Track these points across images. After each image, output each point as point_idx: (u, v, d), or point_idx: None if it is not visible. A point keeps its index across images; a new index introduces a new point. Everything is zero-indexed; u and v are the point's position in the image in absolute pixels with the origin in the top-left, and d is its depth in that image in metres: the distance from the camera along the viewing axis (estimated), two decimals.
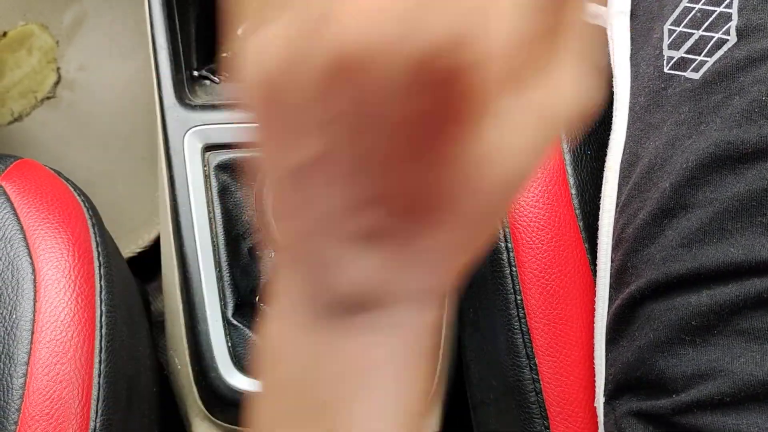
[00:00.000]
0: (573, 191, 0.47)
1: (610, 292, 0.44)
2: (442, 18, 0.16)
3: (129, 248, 0.96)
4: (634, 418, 0.40)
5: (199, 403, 0.57)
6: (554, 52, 0.19)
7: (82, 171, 1.02)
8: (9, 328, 0.45)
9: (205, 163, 0.59)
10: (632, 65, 0.46)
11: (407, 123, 0.19)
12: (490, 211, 0.23)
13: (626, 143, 0.45)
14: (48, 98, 1.07)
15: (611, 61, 0.47)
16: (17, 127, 1.05)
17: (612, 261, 0.44)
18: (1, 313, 0.46)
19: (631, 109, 0.45)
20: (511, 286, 0.47)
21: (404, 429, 0.24)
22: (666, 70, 0.43)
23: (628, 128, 0.45)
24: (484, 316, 0.52)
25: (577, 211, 0.47)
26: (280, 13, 0.18)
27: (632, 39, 0.46)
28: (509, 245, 0.47)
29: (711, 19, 0.41)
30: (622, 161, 0.45)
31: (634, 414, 0.41)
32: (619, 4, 0.47)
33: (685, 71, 0.42)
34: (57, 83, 1.06)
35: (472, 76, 0.17)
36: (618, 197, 0.45)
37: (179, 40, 0.65)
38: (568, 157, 0.48)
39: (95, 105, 1.05)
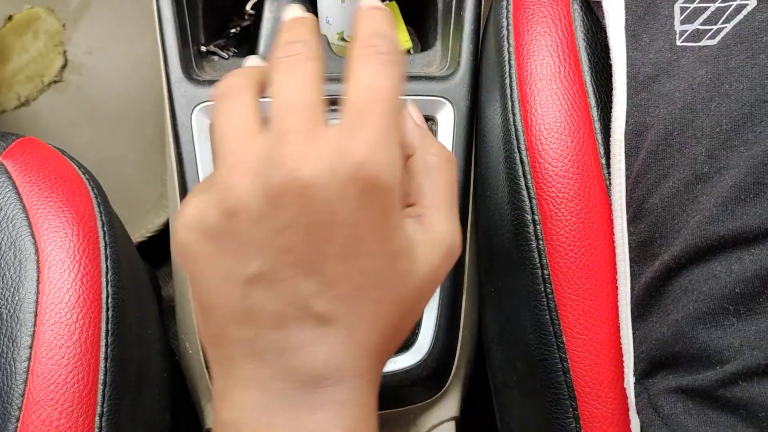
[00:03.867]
0: (603, 161, 0.45)
1: (632, 266, 0.42)
2: (359, 151, 0.29)
3: (139, 233, 0.95)
4: (673, 395, 0.38)
5: (211, 387, 0.56)
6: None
7: (90, 155, 1.01)
8: (12, 310, 0.43)
9: None
10: (629, 36, 0.44)
11: (344, 224, 0.29)
12: (412, 302, 0.33)
13: (629, 113, 0.43)
14: (55, 82, 1.05)
15: (607, 32, 0.45)
16: (24, 111, 1.03)
17: (631, 234, 0.42)
18: (4, 295, 0.44)
19: (632, 79, 0.43)
20: (537, 260, 0.44)
21: None
22: (678, 43, 0.41)
23: (630, 98, 0.43)
24: (507, 294, 0.49)
25: (607, 182, 0.44)
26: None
27: (627, 8, 0.44)
28: (536, 217, 0.45)
29: None
30: (626, 132, 0.42)
31: (672, 391, 0.38)
32: None
33: (700, 41, 0.40)
34: (64, 67, 1.05)
35: (385, 181, 0.29)
36: (628, 168, 0.42)
37: (186, 14, 0.63)
38: (597, 126, 0.45)
39: (103, 88, 1.03)
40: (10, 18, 1.06)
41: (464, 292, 0.57)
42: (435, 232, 0.33)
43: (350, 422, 0.31)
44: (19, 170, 0.48)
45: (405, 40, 0.70)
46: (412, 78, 0.58)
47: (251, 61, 0.38)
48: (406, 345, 0.54)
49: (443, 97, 0.57)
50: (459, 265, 0.56)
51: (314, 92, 0.32)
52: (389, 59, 0.33)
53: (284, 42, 0.34)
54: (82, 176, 0.51)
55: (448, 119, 0.57)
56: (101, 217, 0.48)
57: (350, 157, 0.29)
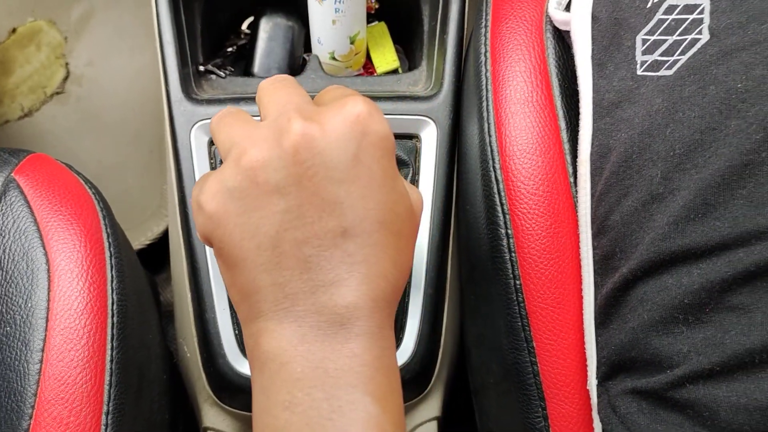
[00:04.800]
0: (571, 180, 0.48)
1: (595, 278, 0.46)
2: (354, 108, 0.36)
3: (139, 240, 0.98)
4: (629, 396, 0.42)
5: (208, 389, 0.59)
6: None
7: (92, 164, 1.04)
8: (25, 316, 0.47)
9: (211, 156, 0.60)
10: (595, 64, 0.48)
11: (359, 164, 0.35)
12: (414, 237, 0.38)
13: (594, 136, 0.47)
14: (57, 93, 1.08)
15: (575, 60, 0.49)
16: (27, 122, 1.07)
17: (595, 248, 0.46)
18: (17, 302, 0.47)
19: (597, 104, 0.47)
20: (510, 271, 0.48)
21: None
22: (639, 72, 0.44)
23: (595, 122, 0.47)
24: (484, 301, 0.53)
25: (575, 199, 0.48)
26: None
27: (594, 39, 0.48)
28: (509, 231, 0.48)
29: (684, 25, 0.43)
30: (591, 153, 0.47)
31: (628, 392, 0.42)
32: (582, 9, 0.49)
33: (658, 71, 0.43)
34: (66, 78, 1.08)
35: (381, 129, 0.36)
36: (592, 187, 0.46)
37: (185, 35, 0.66)
38: (567, 147, 0.49)
39: (104, 99, 1.06)
40: (13, 31, 1.09)
41: (446, 298, 0.61)
42: (409, 186, 0.40)
43: (378, 351, 0.35)
44: (30, 185, 0.51)
45: (392, 59, 0.74)
46: (399, 98, 0.62)
47: None
48: None
49: (427, 117, 0.61)
50: (441, 273, 0.59)
51: (302, 94, 0.38)
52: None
53: (265, 82, 0.41)
54: (89, 190, 0.54)
55: (431, 137, 0.61)
56: (106, 229, 0.52)
57: (349, 114, 0.35)
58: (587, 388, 0.46)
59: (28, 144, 1.06)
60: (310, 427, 0.33)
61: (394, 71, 0.74)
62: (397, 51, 0.76)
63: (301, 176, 0.34)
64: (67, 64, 1.09)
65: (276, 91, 0.39)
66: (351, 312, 0.34)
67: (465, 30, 0.65)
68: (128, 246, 0.59)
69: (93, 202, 0.53)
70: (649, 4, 0.46)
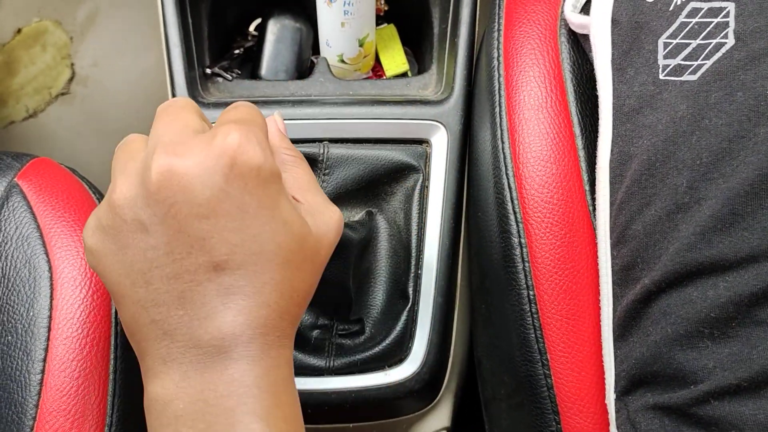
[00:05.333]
0: (587, 188, 0.47)
1: (614, 289, 0.45)
2: (222, 141, 0.34)
3: None
4: (650, 412, 0.41)
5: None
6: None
7: (96, 166, 1.03)
8: (27, 325, 0.46)
9: None
10: (615, 69, 0.46)
11: (226, 199, 0.34)
12: (311, 263, 0.37)
13: (614, 142, 0.45)
14: (62, 94, 1.07)
15: (594, 65, 0.47)
16: (32, 123, 1.06)
17: (614, 258, 0.45)
18: (19, 311, 0.46)
19: (617, 110, 0.45)
20: (524, 281, 0.47)
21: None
22: (661, 77, 0.43)
23: (615, 128, 0.45)
24: (496, 311, 0.52)
25: (591, 208, 0.47)
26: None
27: (614, 43, 0.47)
28: (522, 241, 0.47)
29: (708, 29, 0.42)
30: (611, 160, 0.45)
31: (650, 408, 0.41)
32: (602, 12, 0.48)
33: (681, 76, 0.42)
34: (71, 79, 1.07)
35: (252, 159, 0.34)
36: (612, 195, 0.45)
37: (192, 37, 0.65)
38: (582, 154, 0.48)
39: (109, 101, 1.05)
40: (19, 31, 1.08)
41: (456, 307, 0.60)
42: (316, 208, 0.39)
43: (261, 371, 0.34)
44: (33, 190, 0.50)
45: (402, 62, 0.73)
46: (408, 102, 0.61)
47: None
48: (401, 358, 0.56)
49: (438, 121, 0.60)
50: (451, 281, 0.58)
51: (184, 123, 0.37)
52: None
53: (161, 106, 0.40)
54: (93, 195, 0.53)
55: (442, 142, 0.59)
56: None
57: (216, 147, 0.34)
58: (605, 402, 0.44)
59: (32, 145, 1.05)
60: None
61: (404, 74, 0.73)
62: (406, 54, 0.75)
63: (165, 214, 0.34)
64: (72, 64, 1.08)
65: (159, 119, 0.38)
66: (229, 341, 0.34)
67: (476, 32, 0.64)
68: None
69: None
70: (671, 7, 0.44)
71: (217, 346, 0.34)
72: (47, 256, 0.48)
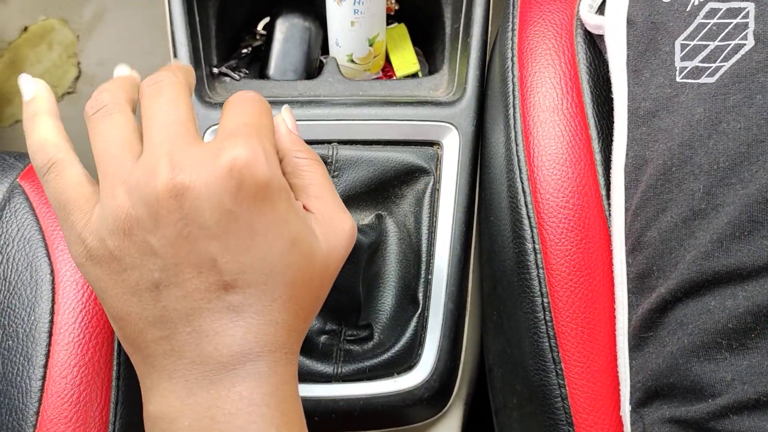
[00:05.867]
0: (603, 192, 0.46)
1: (630, 297, 0.43)
2: (229, 154, 0.33)
3: None
4: (667, 425, 0.39)
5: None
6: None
7: None
8: (28, 330, 0.45)
9: None
10: (631, 71, 0.45)
11: (233, 218, 0.32)
12: (320, 279, 0.36)
13: (629, 146, 0.44)
14: (68, 93, 1.07)
15: (609, 66, 0.46)
16: None
17: (629, 266, 0.43)
18: (20, 315, 0.45)
19: (633, 113, 0.44)
20: (538, 288, 0.46)
21: None
22: (678, 79, 0.42)
23: (630, 132, 0.44)
24: (508, 319, 0.50)
25: (607, 213, 0.46)
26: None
27: (629, 44, 0.45)
28: (537, 246, 0.46)
29: (727, 30, 0.41)
30: (626, 164, 0.44)
31: (666, 421, 0.39)
32: (616, 12, 0.46)
33: (699, 78, 0.41)
34: (77, 78, 1.06)
35: (259, 175, 0.33)
36: (627, 200, 0.44)
37: (199, 36, 0.64)
38: (598, 157, 0.46)
39: None
40: (25, 29, 1.08)
41: (467, 313, 0.58)
42: (329, 217, 0.37)
43: (269, 388, 0.33)
44: (36, 192, 0.49)
45: (412, 62, 0.71)
46: (419, 103, 0.60)
47: (120, 69, 0.40)
48: (410, 365, 0.55)
49: (449, 123, 0.58)
50: (462, 287, 0.57)
51: (182, 110, 0.35)
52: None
53: (148, 79, 0.37)
54: None
55: (453, 144, 0.58)
56: None
57: (222, 159, 0.32)
58: (620, 414, 0.43)
59: None
60: None
61: (414, 75, 0.72)
62: (417, 54, 0.74)
63: (177, 236, 0.32)
64: (78, 63, 1.07)
65: (155, 95, 0.35)
66: (237, 359, 0.33)
67: (489, 33, 0.62)
68: None
69: None
70: (688, 8, 0.43)
71: (225, 363, 0.33)
72: (49, 258, 0.47)
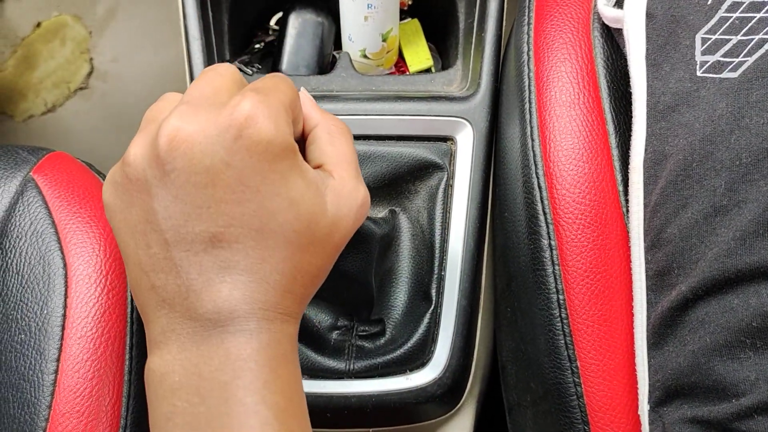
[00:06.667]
0: (620, 188, 0.45)
1: (648, 295, 0.43)
2: (235, 112, 0.33)
3: None
4: (688, 425, 0.39)
5: None
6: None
7: (112, 162, 1.02)
8: (40, 324, 0.45)
9: None
10: (650, 65, 0.44)
11: (229, 170, 0.33)
12: (322, 245, 0.36)
13: (648, 141, 0.43)
14: (81, 89, 1.07)
15: (627, 60, 0.45)
16: (50, 117, 1.05)
17: (648, 263, 0.43)
18: (33, 309, 0.45)
19: (652, 108, 0.43)
20: (553, 285, 0.45)
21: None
22: (699, 73, 0.41)
23: (649, 126, 0.43)
24: (523, 315, 0.50)
25: (624, 209, 0.45)
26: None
27: (648, 38, 0.45)
28: (552, 243, 0.45)
29: (750, 24, 0.40)
30: (645, 160, 0.43)
31: (687, 421, 0.39)
32: (636, 5, 0.46)
33: (721, 73, 0.40)
34: (90, 74, 1.06)
35: (264, 131, 0.33)
36: (646, 197, 0.43)
37: (212, 31, 0.64)
38: (615, 153, 0.46)
39: (128, 96, 1.05)
40: (38, 25, 1.08)
41: (480, 310, 0.58)
42: (344, 185, 0.37)
43: (259, 345, 0.33)
44: (48, 185, 0.49)
45: (426, 57, 0.71)
46: (433, 98, 0.59)
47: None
48: (423, 362, 0.54)
49: (463, 118, 0.58)
50: (476, 283, 0.56)
51: (219, 84, 0.36)
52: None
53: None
54: None
55: (467, 139, 0.57)
56: None
57: (224, 116, 0.33)
58: (637, 413, 0.43)
59: (50, 139, 1.04)
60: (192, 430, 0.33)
61: (428, 70, 0.71)
62: (430, 49, 0.73)
63: (166, 177, 0.33)
64: (91, 59, 1.07)
65: (194, 82, 0.37)
66: (224, 316, 0.33)
67: (504, 27, 0.62)
68: None
69: None
70: (709, 1, 0.42)
71: (213, 320, 0.33)
72: (62, 252, 0.47)
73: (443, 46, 0.74)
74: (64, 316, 0.45)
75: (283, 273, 0.34)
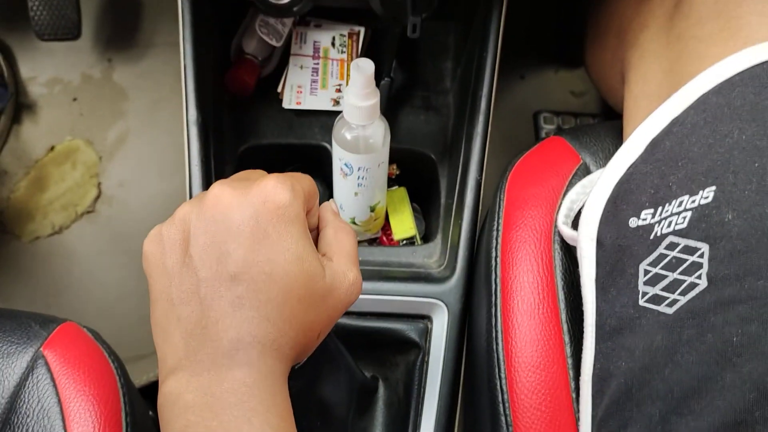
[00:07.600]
0: (573, 395, 0.50)
1: None
2: (261, 187, 0.41)
3: (153, 372, 1.00)
4: None
5: None
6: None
7: (113, 287, 1.07)
8: None
9: None
10: (599, 288, 0.50)
11: (250, 222, 0.40)
12: (317, 306, 0.42)
13: (596, 358, 0.48)
14: (88, 212, 1.12)
15: (580, 279, 0.51)
16: (57, 239, 1.10)
17: None
18: None
19: (599, 328, 0.49)
20: None
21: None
22: (641, 302, 0.46)
23: (598, 344, 0.49)
24: None
25: (577, 415, 0.50)
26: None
27: (598, 263, 0.51)
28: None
29: (684, 265, 0.45)
30: (593, 375, 0.48)
31: None
32: (587, 232, 0.51)
33: (659, 305, 0.45)
34: (97, 198, 1.12)
35: (280, 199, 0.41)
36: (594, 409, 0.48)
37: (212, 162, 0.70)
38: (570, 362, 0.51)
39: (132, 222, 1.10)
40: (52, 149, 1.15)
41: None
42: (340, 266, 0.45)
43: (260, 375, 0.40)
44: (58, 362, 0.54)
45: (410, 227, 0.77)
46: (412, 279, 0.65)
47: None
48: None
49: (439, 300, 0.63)
50: None
51: (257, 176, 0.45)
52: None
53: None
54: (111, 364, 0.57)
55: (442, 320, 0.63)
56: (125, 408, 0.54)
57: (257, 187, 0.42)
58: None
59: (55, 261, 1.09)
60: None
61: (411, 238, 0.77)
62: (415, 210, 0.80)
63: (207, 229, 0.41)
64: (99, 183, 1.13)
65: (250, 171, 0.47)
66: (234, 345, 0.40)
67: (480, 212, 0.68)
68: (144, 410, 0.61)
69: (115, 379, 0.55)
70: (651, 236, 0.48)
71: (225, 348, 0.39)
72: (65, 430, 0.51)
73: (427, 211, 0.80)
74: None
75: (281, 315, 0.41)
